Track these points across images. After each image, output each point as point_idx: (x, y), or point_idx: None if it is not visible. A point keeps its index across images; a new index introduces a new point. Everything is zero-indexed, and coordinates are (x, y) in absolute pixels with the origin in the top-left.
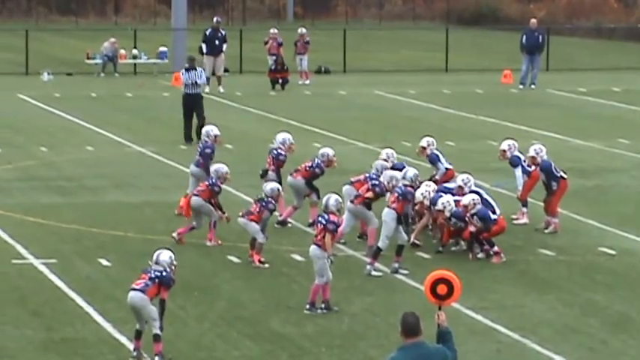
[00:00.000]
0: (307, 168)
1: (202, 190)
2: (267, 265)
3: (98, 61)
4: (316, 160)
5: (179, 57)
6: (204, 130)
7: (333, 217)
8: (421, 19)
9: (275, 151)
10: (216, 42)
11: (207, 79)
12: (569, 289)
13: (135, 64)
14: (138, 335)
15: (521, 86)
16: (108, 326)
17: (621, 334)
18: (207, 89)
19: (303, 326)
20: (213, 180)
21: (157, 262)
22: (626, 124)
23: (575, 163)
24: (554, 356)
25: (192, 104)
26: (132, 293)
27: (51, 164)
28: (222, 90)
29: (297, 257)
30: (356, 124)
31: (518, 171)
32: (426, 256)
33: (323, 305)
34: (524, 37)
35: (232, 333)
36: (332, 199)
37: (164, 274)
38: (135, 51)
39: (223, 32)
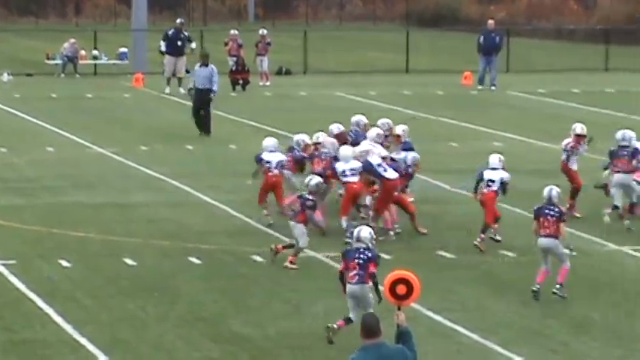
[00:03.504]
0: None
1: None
2: (296, 267)
3: (58, 61)
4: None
5: (139, 58)
6: (295, 138)
7: (562, 209)
8: (381, 20)
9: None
10: (179, 43)
11: (168, 79)
12: (530, 289)
13: (95, 65)
14: (349, 321)
15: (480, 87)
16: (68, 327)
17: (582, 336)
18: (167, 90)
19: (265, 327)
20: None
21: (358, 240)
22: (585, 125)
23: (536, 164)
24: (515, 357)
25: (202, 99)
26: (350, 287)
27: (11, 165)
28: (182, 91)
29: (258, 258)
30: (317, 125)
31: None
32: (386, 256)
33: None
34: (482, 38)
35: (193, 334)
36: (554, 190)
37: (369, 254)
38: (95, 52)
39: (186, 33)
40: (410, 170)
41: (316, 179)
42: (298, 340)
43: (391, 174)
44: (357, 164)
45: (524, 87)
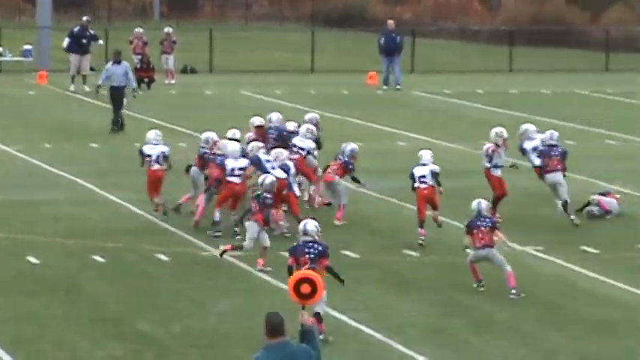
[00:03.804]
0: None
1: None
2: (269, 269)
3: None
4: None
5: (44, 55)
6: (203, 136)
7: (493, 217)
8: (288, 20)
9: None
10: (84, 41)
11: (73, 77)
12: (434, 289)
13: None
14: (318, 315)
15: (385, 87)
16: None
17: (485, 335)
18: (72, 88)
19: (169, 326)
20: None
21: (305, 233)
22: (490, 126)
23: (440, 164)
24: (418, 357)
25: (118, 97)
26: None
27: None
28: (87, 89)
29: (162, 257)
30: (222, 124)
31: None
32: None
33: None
34: (383, 38)
35: (97, 333)
36: (482, 203)
37: (320, 248)
38: None
39: (92, 32)
40: (350, 167)
41: (270, 178)
42: (203, 338)
43: (279, 173)
44: (246, 162)
45: (429, 87)
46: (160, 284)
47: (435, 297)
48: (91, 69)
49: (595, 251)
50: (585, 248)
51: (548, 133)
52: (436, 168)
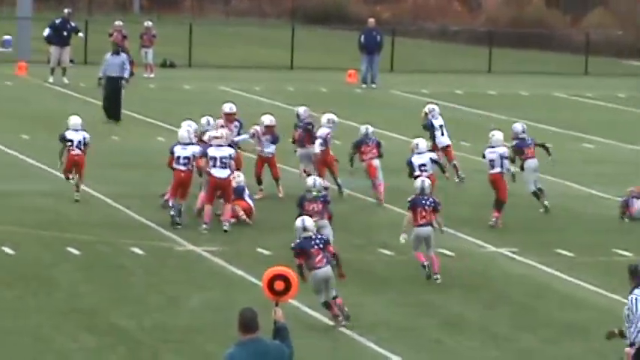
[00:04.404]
0: None
1: None
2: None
3: None
4: None
5: (23, 46)
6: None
7: (436, 199)
8: (268, 16)
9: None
10: (65, 33)
11: (52, 69)
12: (407, 288)
13: None
14: (328, 305)
15: (364, 85)
16: None
17: (456, 335)
18: (51, 79)
19: (141, 319)
20: None
21: (305, 229)
22: (468, 126)
23: None
24: (391, 355)
25: (113, 87)
26: (323, 270)
27: None
28: (66, 81)
29: (137, 250)
30: (200, 119)
31: None
32: (265, 252)
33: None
34: (363, 36)
35: (70, 325)
36: (426, 182)
37: (324, 238)
38: None
39: (73, 24)
40: (380, 144)
41: (319, 180)
42: (175, 333)
43: (219, 172)
44: (194, 150)
45: (408, 87)
46: (134, 278)
47: (408, 296)
48: (71, 61)
49: (570, 254)
50: (560, 251)
51: (519, 125)
52: (433, 155)
